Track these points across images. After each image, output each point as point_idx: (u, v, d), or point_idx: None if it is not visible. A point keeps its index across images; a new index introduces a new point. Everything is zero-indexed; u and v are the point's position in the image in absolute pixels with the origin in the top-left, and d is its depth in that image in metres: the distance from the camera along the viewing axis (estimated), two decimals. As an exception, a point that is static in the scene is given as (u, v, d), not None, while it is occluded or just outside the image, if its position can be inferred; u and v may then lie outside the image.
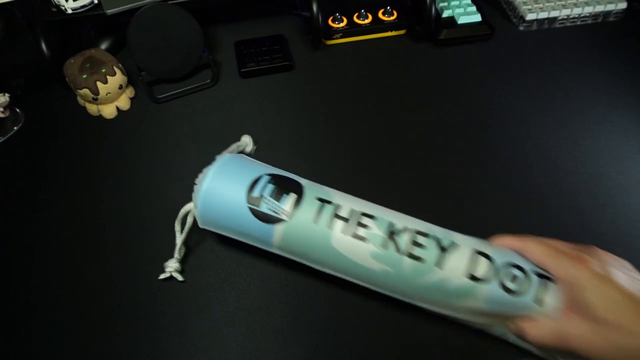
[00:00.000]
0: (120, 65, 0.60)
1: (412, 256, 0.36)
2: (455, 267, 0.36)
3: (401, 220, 0.39)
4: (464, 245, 0.37)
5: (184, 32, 0.60)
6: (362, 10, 0.68)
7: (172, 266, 0.45)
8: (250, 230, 0.40)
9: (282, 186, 0.40)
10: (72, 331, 0.43)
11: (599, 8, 0.69)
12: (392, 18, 0.68)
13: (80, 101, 0.61)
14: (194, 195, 0.41)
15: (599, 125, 0.57)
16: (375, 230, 0.37)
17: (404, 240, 0.37)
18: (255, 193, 0.39)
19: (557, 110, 0.59)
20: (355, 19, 0.68)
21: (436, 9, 0.66)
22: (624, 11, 0.70)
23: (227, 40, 0.69)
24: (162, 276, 0.45)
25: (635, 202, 0.50)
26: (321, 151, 0.56)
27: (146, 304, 0.44)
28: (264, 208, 0.39)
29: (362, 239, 0.37)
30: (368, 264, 0.37)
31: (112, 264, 0.47)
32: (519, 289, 0.35)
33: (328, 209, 0.38)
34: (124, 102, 0.61)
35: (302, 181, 0.41)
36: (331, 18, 0.68)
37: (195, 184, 0.42)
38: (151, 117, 0.61)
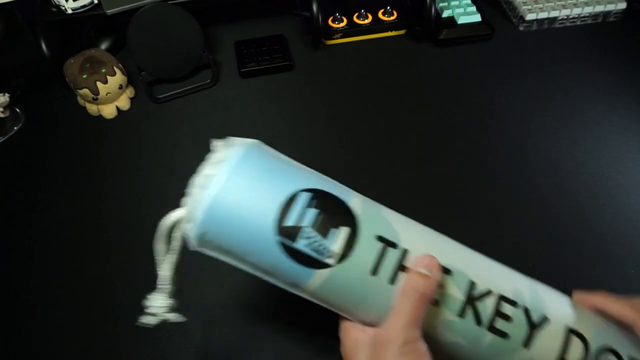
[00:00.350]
0: (120, 65, 0.60)
1: (495, 330, 0.29)
2: (546, 349, 0.29)
3: (482, 273, 0.30)
4: (557, 321, 0.30)
5: (184, 32, 0.60)
6: (362, 10, 0.68)
7: (160, 303, 0.32)
8: (276, 269, 0.29)
9: (331, 213, 0.29)
10: (72, 331, 0.43)
11: (599, 8, 0.69)
12: (392, 18, 0.68)
13: (80, 101, 0.61)
14: (189, 200, 0.29)
15: (599, 125, 0.57)
16: (453, 292, 0.29)
17: (487, 308, 0.29)
18: (291, 220, 0.28)
19: (557, 110, 0.59)
20: (355, 19, 0.68)
21: (436, 9, 0.66)
22: (623, 11, 0.70)
23: (227, 40, 0.69)
24: (146, 321, 0.32)
25: (635, 202, 0.50)
26: (321, 151, 0.56)
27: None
28: (302, 245, 0.28)
29: (434, 302, 0.28)
30: (437, 333, 0.29)
31: (112, 264, 0.47)
32: None
33: (392, 255, 0.28)
34: (124, 102, 0.61)
35: (353, 202, 0.30)
36: (331, 18, 0.68)
37: (193, 183, 0.30)
38: (151, 117, 0.61)
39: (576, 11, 0.69)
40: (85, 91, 0.57)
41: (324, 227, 0.28)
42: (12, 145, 0.58)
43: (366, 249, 0.28)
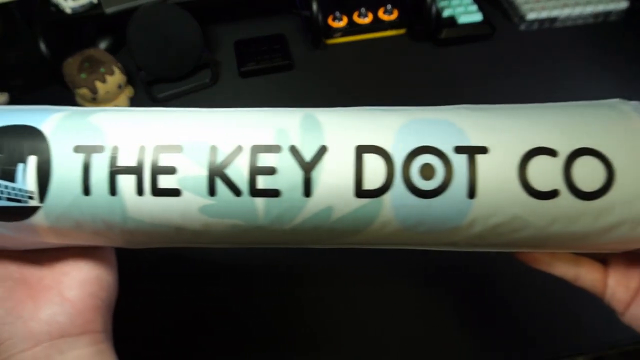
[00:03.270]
0: (119, 64, 0.60)
1: (261, 193, 0.23)
2: (334, 185, 0.23)
3: (225, 130, 0.25)
4: (340, 145, 0.24)
5: (183, 32, 0.60)
6: (362, 9, 0.68)
7: None
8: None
9: (12, 149, 0.23)
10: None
11: (600, 7, 0.68)
12: (392, 17, 0.68)
13: (79, 101, 0.61)
14: None
15: (600, 125, 0.57)
16: (191, 170, 0.23)
17: (241, 169, 0.23)
18: None
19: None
20: (355, 18, 0.68)
21: (437, 8, 0.66)
22: (625, 11, 0.69)
23: (227, 39, 0.69)
24: None
25: (636, 202, 0.49)
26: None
27: (143, 303, 0.44)
28: None
29: (173, 193, 0.23)
30: (199, 224, 0.24)
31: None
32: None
33: (99, 162, 0.23)
34: (123, 102, 0.61)
35: (47, 122, 0.25)
36: (331, 17, 0.68)
37: None
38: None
39: (577, 10, 0.68)
40: (84, 91, 0.57)
41: (6, 170, 0.23)
42: (11, 145, 0.58)
43: (66, 167, 0.23)
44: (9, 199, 0.23)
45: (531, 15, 0.68)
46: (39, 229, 0.24)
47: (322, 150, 0.23)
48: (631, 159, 0.23)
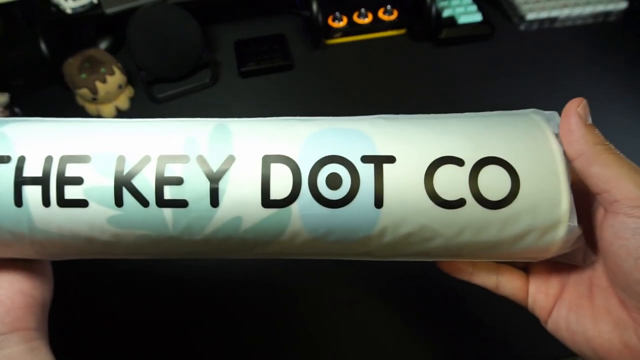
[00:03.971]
0: (119, 64, 0.60)
1: (168, 203, 0.23)
2: (241, 195, 0.23)
3: (134, 139, 0.24)
4: (248, 155, 0.23)
5: (183, 32, 0.60)
6: (362, 9, 0.68)
7: None
8: None
9: None
10: (73, 331, 0.43)
11: (600, 8, 0.69)
12: (392, 17, 0.68)
13: (80, 101, 0.61)
14: None
15: (599, 125, 0.57)
16: (98, 181, 0.23)
17: (147, 180, 0.23)
18: None
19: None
20: (355, 18, 0.68)
21: (436, 9, 0.66)
22: (624, 11, 0.69)
23: (227, 39, 0.69)
24: None
25: (636, 202, 0.50)
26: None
27: (145, 303, 0.44)
28: None
29: (79, 204, 0.23)
30: (109, 235, 0.24)
31: (113, 263, 0.47)
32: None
33: (4, 172, 0.23)
34: (123, 102, 0.61)
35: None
36: (331, 17, 0.68)
37: None
38: (150, 116, 0.60)
39: (577, 11, 0.68)
40: (84, 91, 0.57)
41: None
42: (11, 145, 0.58)
43: None
44: None
45: (531, 16, 0.68)
46: None
47: (230, 160, 0.23)
48: (536, 168, 0.23)
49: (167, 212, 0.23)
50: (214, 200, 0.23)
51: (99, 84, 0.57)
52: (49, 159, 0.23)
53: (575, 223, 0.23)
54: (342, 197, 0.23)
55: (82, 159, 0.23)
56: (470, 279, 0.28)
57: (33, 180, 0.23)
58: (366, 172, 0.23)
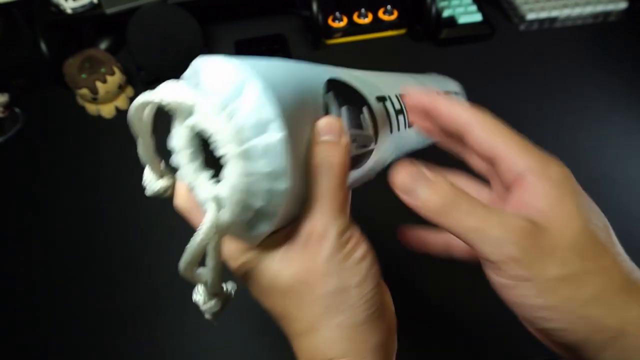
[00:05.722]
0: (119, 64, 0.60)
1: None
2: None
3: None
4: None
5: (183, 32, 0.60)
6: (362, 10, 0.68)
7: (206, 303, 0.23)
8: None
9: (350, 101, 0.25)
10: (73, 331, 0.43)
11: (600, 8, 0.69)
12: (392, 17, 0.68)
13: (80, 101, 0.61)
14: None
15: (599, 125, 0.57)
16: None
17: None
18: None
19: (557, 110, 0.58)
20: (355, 18, 0.68)
21: (437, 9, 0.66)
22: (624, 11, 0.69)
23: (227, 39, 0.69)
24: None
25: (636, 202, 0.50)
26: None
27: (147, 304, 0.44)
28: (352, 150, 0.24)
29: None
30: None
31: (112, 263, 0.47)
32: None
33: (390, 108, 0.29)
34: (123, 102, 0.61)
35: (334, 71, 0.26)
36: (331, 17, 0.68)
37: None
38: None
39: (577, 11, 0.68)
40: (85, 91, 0.57)
41: (356, 117, 0.25)
42: (11, 145, 0.58)
43: (380, 115, 0.29)
44: (360, 146, 0.26)
45: (531, 16, 0.68)
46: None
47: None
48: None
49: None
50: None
51: (99, 84, 0.57)
52: (395, 96, 0.30)
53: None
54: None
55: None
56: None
57: (401, 112, 0.30)
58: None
